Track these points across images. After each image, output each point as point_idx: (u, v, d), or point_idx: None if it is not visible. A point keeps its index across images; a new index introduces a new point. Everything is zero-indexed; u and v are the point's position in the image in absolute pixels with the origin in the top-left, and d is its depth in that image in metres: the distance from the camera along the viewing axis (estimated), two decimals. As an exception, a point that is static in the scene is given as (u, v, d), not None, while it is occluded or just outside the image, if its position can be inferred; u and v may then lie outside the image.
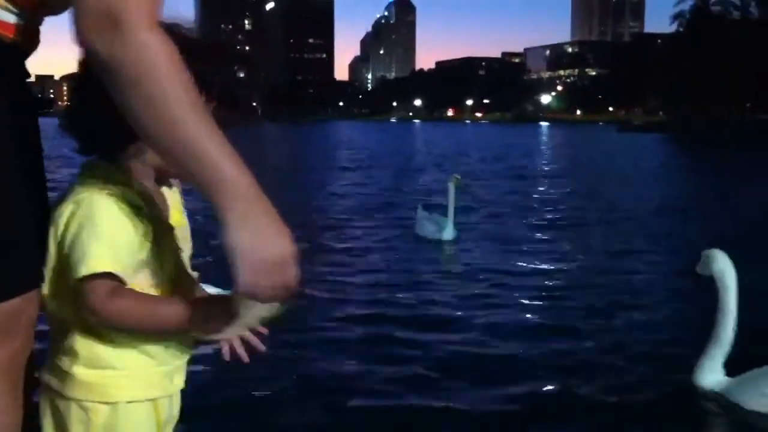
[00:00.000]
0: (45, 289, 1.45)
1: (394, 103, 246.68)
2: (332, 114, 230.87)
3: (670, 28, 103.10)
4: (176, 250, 1.59)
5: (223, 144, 1.29)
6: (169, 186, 1.64)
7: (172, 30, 1.43)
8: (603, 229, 12.19)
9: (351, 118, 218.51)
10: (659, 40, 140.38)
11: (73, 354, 1.47)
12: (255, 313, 1.48)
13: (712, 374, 4.88)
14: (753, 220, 13.71)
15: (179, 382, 1.61)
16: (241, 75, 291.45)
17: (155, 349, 1.53)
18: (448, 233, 10.64)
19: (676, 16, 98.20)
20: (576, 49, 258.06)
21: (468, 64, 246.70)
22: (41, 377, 1.53)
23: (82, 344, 1.47)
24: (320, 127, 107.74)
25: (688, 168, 32.63)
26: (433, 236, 10.68)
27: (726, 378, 4.86)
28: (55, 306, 1.50)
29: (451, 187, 10.82)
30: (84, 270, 1.39)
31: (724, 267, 4.83)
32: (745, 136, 62.01)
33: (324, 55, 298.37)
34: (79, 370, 1.48)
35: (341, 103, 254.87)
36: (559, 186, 19.76)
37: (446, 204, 10.84)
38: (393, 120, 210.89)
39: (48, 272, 1.46)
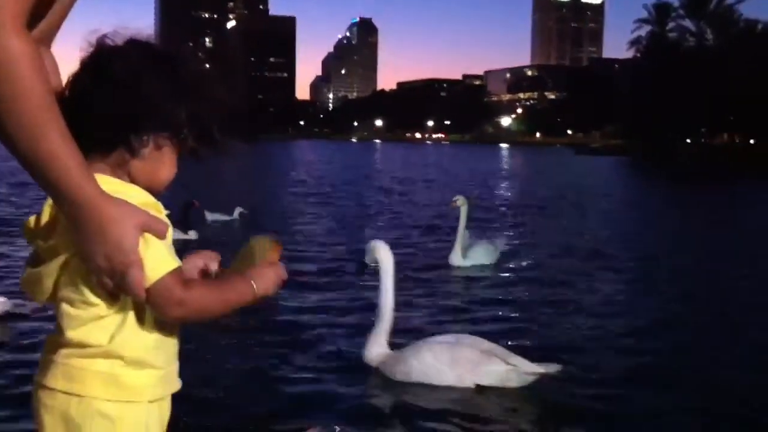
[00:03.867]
0: (74, 307, 1.50)
1: (355, 123, 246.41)
2: (292, 133, 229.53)
3: (627, 54, 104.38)
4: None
5: (77, 155, 1.35)
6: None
7: (179, 59, 1.56)
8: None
9: (311, 137, 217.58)
10: (616, 65, 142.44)
11: (115, 357, 1.50)
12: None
13: (377, 348, 5.53)
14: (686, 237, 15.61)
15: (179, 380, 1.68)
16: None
17: (174, 345, 1.61)
18: (456, 258, 10.32)
19: (634, 42, 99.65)
20: (535, 73, 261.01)
21: (429, 85, 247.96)
22: (46, 385, 1.53)
23: (128, 347, 1.51)
24: (279, 146, 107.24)
25: (641, 192, 33.22)
26: (449, 261, 10.40)
27: (388, 351, 5.53)
28: (91, 320, 1.50)
29: (463, 211, 10.46)
30: (161, 270, 1.45)
31: (384, 255, 5.60)
32: (700, 160, 62.69)
33: (285, 75, 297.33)
34: (122, 371, 1.51)
35: (302, 123, 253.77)
36: (538, 214, 19.42)
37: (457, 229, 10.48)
38: (353, 140, 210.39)
39: (78, 290, 1.49)
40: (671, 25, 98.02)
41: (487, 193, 26.29)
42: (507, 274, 10.34)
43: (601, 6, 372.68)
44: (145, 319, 1.51)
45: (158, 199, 1.60)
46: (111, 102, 1.47)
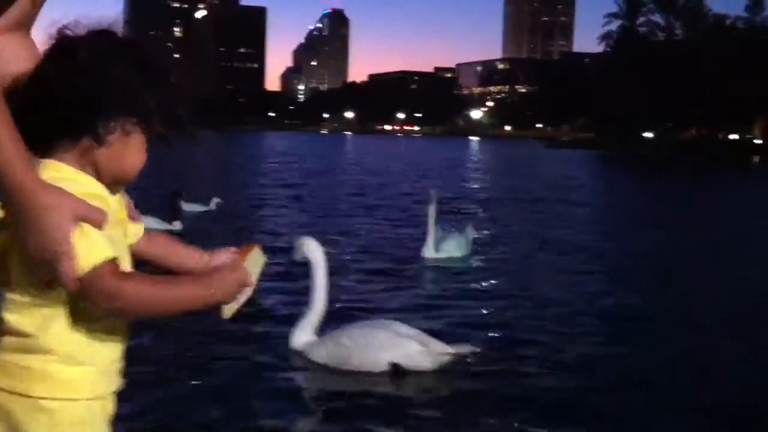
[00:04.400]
0: (11, 291, 1.48)
1: (326, 115, 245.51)
2: (262, 124, 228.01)
3: (598, 48, 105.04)
4: (123, 245, 1.61)
5: (15, 141, 1.36)
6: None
7: (121, 40, 1.54)
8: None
9: (282, 129, 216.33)
10: (587, 59, 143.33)
11: (47, 352, 1.48)
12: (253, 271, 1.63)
13: (303, 336, 5.73)
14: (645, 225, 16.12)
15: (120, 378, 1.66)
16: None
17: (119, 342, 1.58)
18: (429, 251, 10.23)
19: (604, 37, 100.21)
20: (507, 66, 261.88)
21: (401, 77, 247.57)
22: None
23: (60, 341, 1.48)
24: (249, 137, 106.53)
25: (610, 184, 33.55)
26: (421, 254, 10.33)
27: (314, 338, 5.72)
28: (26, 307, 1.47)
29: (431, 204, 10.33)
30: (93, 259, 1.40)
31: (315, 251, 5.78)
32: (668, 153, 63.19)
33: (256, 65, 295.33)
34: (54, 368, 1.48)
35: (272, 114, 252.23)
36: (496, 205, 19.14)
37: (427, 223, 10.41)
38: (324, 132, 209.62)
39: (18, 275, 1.47)
40: (641, 19, 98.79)
41: (458, 185, 26.03)
42: (479, 266, 10.30)
43: (572, 0, 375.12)
44: (80, 313, 1.49)
45: (129, 189, 1.58)
46: (75, 88, 1.46)
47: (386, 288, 8.61)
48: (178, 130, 1.59)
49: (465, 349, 5.55)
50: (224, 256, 1.71)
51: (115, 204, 1.55)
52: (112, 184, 1.54)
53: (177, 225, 12.27)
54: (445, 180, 27.98)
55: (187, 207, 14.17)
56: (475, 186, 26.85)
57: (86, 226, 1.41)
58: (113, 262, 1.43)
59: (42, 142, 1.47)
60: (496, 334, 6.78)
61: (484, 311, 7.77)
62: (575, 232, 14.06)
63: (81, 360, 1.50)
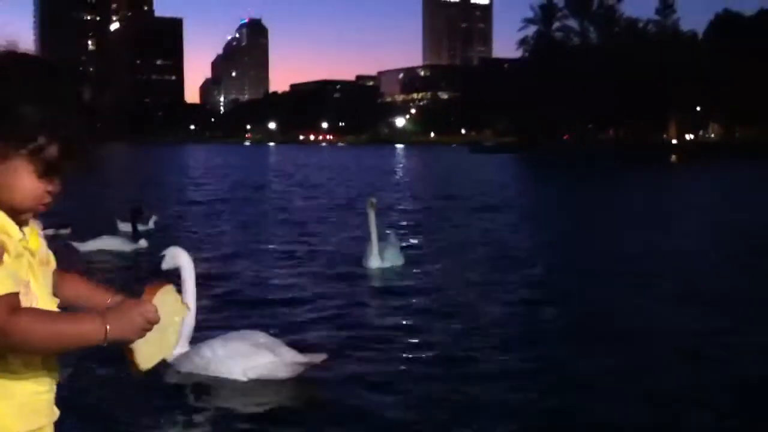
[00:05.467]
0: None
1: (248, 126, 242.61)
2: (183, 137, 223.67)
3: (516, 53, 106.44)
4: (38, 272, 1.55)
5: None
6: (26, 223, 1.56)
7: (13, 54, 1.45)
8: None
9: (203, 141, 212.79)
10: (506, 65, 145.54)
11: None
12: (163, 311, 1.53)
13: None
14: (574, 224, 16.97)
15: (56, 409, 1.60)
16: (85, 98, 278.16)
17: (42, 374, 1.52)
18: (374, 261, 10.01)
19: (521, 42, 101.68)
20: (428, 73, 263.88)
21: (322, 86, 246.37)
22: None
23: None
24: (170, 150, 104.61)
25: (532, 186, 34.45)
26: (364, 264, 10.14)
27: (187, 348, 5.74)
28: None
29: (371, 213, 10.07)
30: None
31: (183, 261, 5.94)
32: (585, 154, 64.33)
33: (173, 77, 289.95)
34: None
35: (192, 126, 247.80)
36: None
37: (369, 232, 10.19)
38: (247, 143, 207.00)
39: None
40: (557, 24, 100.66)
41: (386, 193, 25.57)
42: (417, 274, 10.26)
43: (489, 6, 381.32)
44: None
45: (40, 216, 1.52)
46: None
47: (337, 299, 8.56)
48: (71, 155, 1.47)
49: (317, 358, 5.69)
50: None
51: (19, 234, 1.48)
52: (14, 214, 1.47)
53: (143, 243, 11.95)
54: (374, 188, 27.50)
55: (124, 227, 13.62)
56: (404, 193, 26.45)
57: None
58: (5, 298, 1.36)
59: None
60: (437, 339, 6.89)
61: (428, 320, 7.73)
62: (503, 235, 14.34)
63: (3, 398, 1.44)
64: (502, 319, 7.65)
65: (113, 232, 12.80)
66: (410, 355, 6.48)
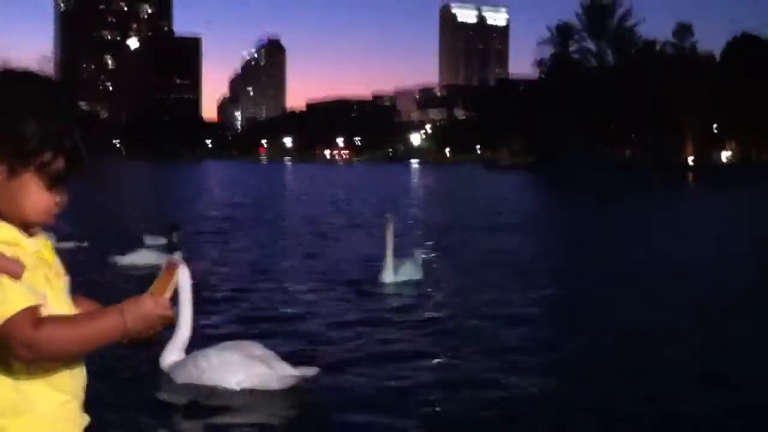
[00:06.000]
0: None
1: (265, 144, 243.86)
2: (200, 154, 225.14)
3: (533, 74, 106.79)
4: (56, 283, 1.55)
5: None
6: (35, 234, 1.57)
7: (23, 75, 1.48)
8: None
9: (220, 158, 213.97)
10: (522, 86, 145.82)
11: None
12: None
13: (171, 356, 5.90)
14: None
15: (86, 415, 1.61)
16: (104, 115, 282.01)
17: (67, 382, 1.52)
18: (388, 275, 10.17)
19: (538, 63, 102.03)
20: (444, 93, 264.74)
21: (339, 104, 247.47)
22: None
23: (0, 396, 1.43)
24: (188, 167, 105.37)
25: (548, 205, 34.52)
26: (379, 278, 10.31)
27: (182, 357, 5.90)
28: None
29: (388, 230, 10.34)
30: (5, 313, 1.36)
31: (180, 273, 5.54)
32: (601, 174, 64.23)
33: (191, 96, 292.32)
34: (4, 422, 1.44)
35: (210, 144, 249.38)
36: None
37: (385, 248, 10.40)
38: (263, 160, 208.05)
39: None
40: (574, 46, 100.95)
41: (404, 210, 25.78)
42: (432, 289, 10.42)
43: (506, 28, 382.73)
44: (11, 367, 1.44)
45: (51, 228, 1.55)
46: None
47: (349, 311, 8.78)
48: (76, 166, 1.51)
49: (309, 371, 5.85)
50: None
51: (34, 246, 1.49)
52: (25, 227, 1.49)
53: (177, 256, 12.00)
54: (391, 205, 27.72)
55: (151, 241, 14.06)
56: (421, 211, 26.64)
57: (1, 278, 1.36)
58: (28, 312, 1.38)
59: None
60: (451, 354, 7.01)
61: (437, 333, 7.90)
62: (519, 254, 14.44)
63: (21, 411, 1.44)
64: (511, 339, 7.61)
65: (140, 246, 13.11)
66: (410, 371, 6.50)
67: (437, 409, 5.59)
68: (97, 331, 1.45)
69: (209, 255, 13.74)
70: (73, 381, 1.52)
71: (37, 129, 1.43)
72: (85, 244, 13.12)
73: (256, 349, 5.95)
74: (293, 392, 5.78)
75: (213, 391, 5.74)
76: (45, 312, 1.42)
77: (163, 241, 14.20)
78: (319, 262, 12.92)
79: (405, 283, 10.30)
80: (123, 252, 12.10)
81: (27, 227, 1.49)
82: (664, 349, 7.35)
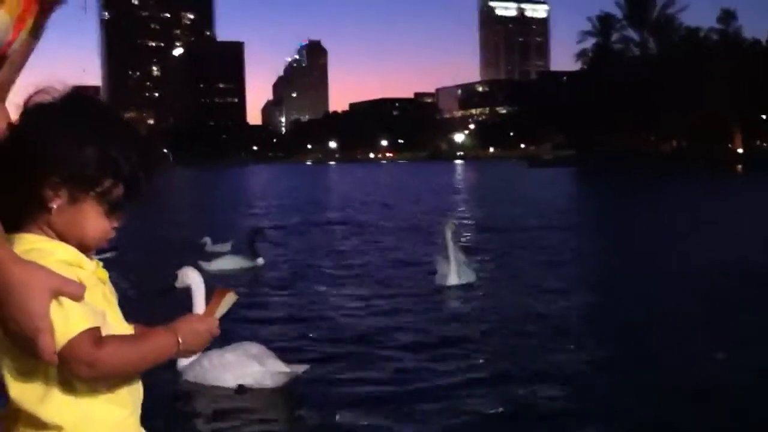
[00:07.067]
0: (9, 365, 1.46)
1: (309, 146, 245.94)
2: (246, 158, 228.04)
3: (575, 66, 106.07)
4: (112, 300, 1.59)
5: None
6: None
7: (81, 99, 1.52)
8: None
9: (265, 161, 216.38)
10: (564, 78, 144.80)
11: (53, 428, 1.46)
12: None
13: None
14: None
15: (143, 430, 1.64)
16: (151, 121, 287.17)
17: (126, 398, 1.55)
18: (453, 279, 10.40)
19: (580, 54, 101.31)
20: (486, 89, 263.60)
21: (381, 104, 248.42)
22: None
23: (62, 414, 1.46)
24: (235, 172, 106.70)
25: (593, 202, 33.98)
26: (439, 282, 10.56)
27: (194, 357, 5.85)
28: (22, 380, 1.46)
29: (447, 233, 10.62)
30: (69, 333, 1.40)
31: (193, 279, 6.50)
32: (647, 167, 63.64)
33: (235, 99, 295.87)
34: None
35: (255, 147, 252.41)
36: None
37: (446, 252, 10.65)
38: (308, 162, 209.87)
39: (10, 349, 1.44)
40: (615, 36, 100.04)
41: (451, 211, 26.21)
42: (489, 290, 10.61)
43: (545, 20, 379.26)
44: (73, 385, 1.47)
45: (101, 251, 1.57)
46: (9, 158, 1.45)
47: (415, 315, 9.02)
48: (135, 193, 1.56)
49: (300, 369, 6.27)
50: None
51: (92, 266, 1.55)
52: (81, 249, 1.55)
53: (260, 261, 13.01)
54: (440, 206, 28.17)
55: (211, 248, 14.73)
56: (467, 211, 27.00)
57: (63, 299, 1.40)
58: (89, 333, 1.42)
59: (10, 214, 1.47)
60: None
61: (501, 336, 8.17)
62: (569, 256, 14.25)
63: (91, 428, 1.49)
64: (563, 356, 7.30)
65: (199, 251, 13.69)
66: (465, 367, 6.91)
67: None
68: (154, 350, 1.52)
69: (267, 257, 14.10)
70: (131, 396, 1.57)
71: (96, 155, 1.48)
72: (115, 253, 12.85)
73: (254, 348, 6.33)
74: (300, 393, 6.20)
75: (213, 389, 6.22)
76: (104, 330, 1.48)
77: (226, 248, 14.82)
78: (377, 266, 13.26)
79: (466, 286, 10.46)
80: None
81: (83, 250, 1.55)
82: (743, 374, 6.65)
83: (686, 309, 9.22)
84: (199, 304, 6.28)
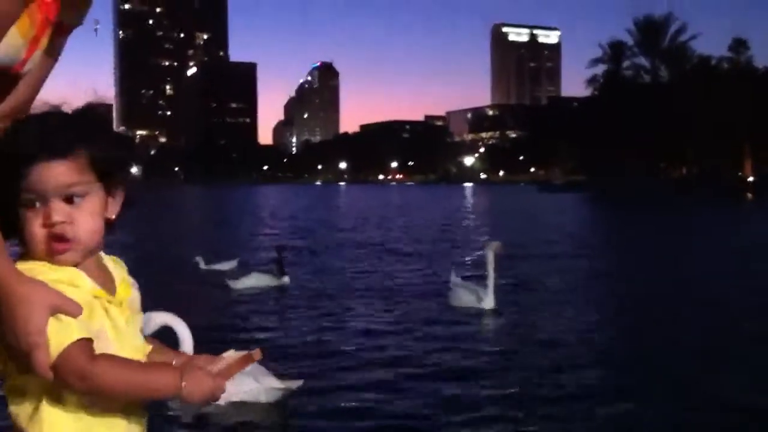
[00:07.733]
0: (6, 382, 1.47)
1: (319, 166, 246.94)
2: (256, 178, 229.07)
3: (585, 92, 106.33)
4: (122, 323, 1.56)
5: None
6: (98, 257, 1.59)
7: (88, 112, 1.54)
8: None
9: (275, 182, 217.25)
10: (575, 103, 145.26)
11: None
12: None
13: None
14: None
15: None
16: (162, 140, 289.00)
17: (122, 420, 1.53)
18: (489, 302, 10.34)
19: (591, 80, 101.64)
20: (496, 112, 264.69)
21: (391, 126, 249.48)
22: None
23: (49, 428, 1.45)
24: (242, 191, 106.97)
25: (605, 226, 33.98)
26: (472, 305, 10.45)
27: None
28: (17, 396, 1.47)
29: (490, 255, 10.62)
30: (62, 341, 1.39)
31: (167, 319, 6.26)
32: (658, 192, 63.61)
33: (247, 120, 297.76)
34: None
35: (265, 167, 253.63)
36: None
37: (485, 273, 10.68)
38: (318, 183, 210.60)
39: (6, 364, 1.46)
40: (626, 63, 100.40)
41: (463, 234, 26.34)
42: (511, 315, 10.63)
43: (557, 45, 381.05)
44: (65, 400, 1.47)
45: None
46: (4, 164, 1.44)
47: (456, 339, 9.03)
48: (131, 200, 1.57)
49: (294, 384, 6.39)
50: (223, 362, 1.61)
51: (90, 284, 1.53)
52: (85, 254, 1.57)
53: (286, 279, 12.89)
54: (454, 229, 28.25)
55: (205, 267, 14.64)
56: (484, 235, 27.10)
57: (60, 316, 1.41)
58: (82, 343, 1.41)
59: (12, 227, 1.48)
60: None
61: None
62: (586, 282, 14.25)
63: None
64: (586, 383, 7.24)
65: (211, 269, 13.77)
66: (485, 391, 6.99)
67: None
68: (153, 382, 1.48)
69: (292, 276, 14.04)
70: (126, 421, 1.54)
71: (92, 160, 1.49)
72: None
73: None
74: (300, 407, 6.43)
75: (206, 405, 6.47)
76: (102, 346, 1.46)
77: (224, 267, 14.68)
78: (396, 288, 13.20)
79: (497, 309, 10.52)
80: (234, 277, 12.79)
81: (86, 256, 1.54)
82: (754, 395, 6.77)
83: (710, 336, 9.20)
84: (185, 339, 6.26)
